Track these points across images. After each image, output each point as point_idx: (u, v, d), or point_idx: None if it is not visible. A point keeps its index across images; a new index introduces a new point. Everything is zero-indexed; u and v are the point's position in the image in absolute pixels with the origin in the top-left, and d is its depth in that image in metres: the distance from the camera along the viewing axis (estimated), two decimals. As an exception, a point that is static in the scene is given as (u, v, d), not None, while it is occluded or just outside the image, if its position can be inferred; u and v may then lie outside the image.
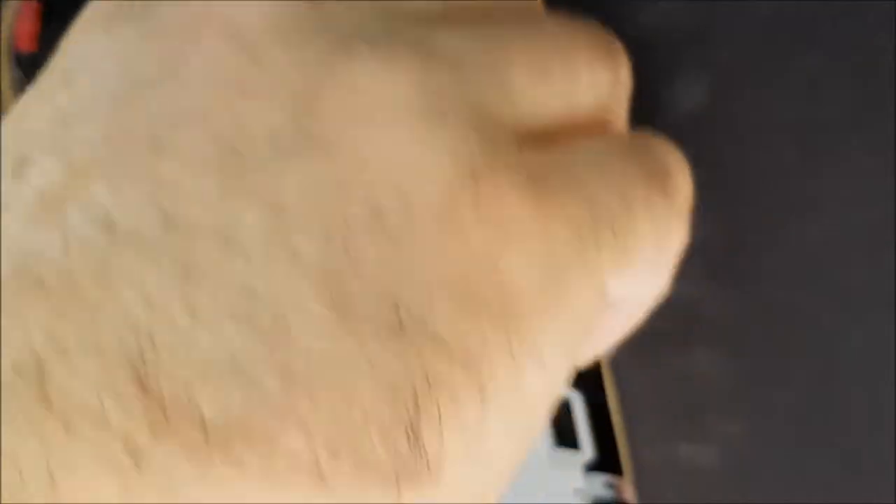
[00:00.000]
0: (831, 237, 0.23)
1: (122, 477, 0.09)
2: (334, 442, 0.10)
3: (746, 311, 0.25)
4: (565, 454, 0.33)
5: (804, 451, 0.26)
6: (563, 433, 0.33)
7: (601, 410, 0.31)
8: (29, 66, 0.40)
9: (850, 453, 0.26)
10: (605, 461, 0.33)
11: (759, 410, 0.26)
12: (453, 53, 0.12)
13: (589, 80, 0.15)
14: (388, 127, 0.11)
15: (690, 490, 0.29)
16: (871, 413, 0.25)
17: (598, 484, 0.33)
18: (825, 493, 0.27)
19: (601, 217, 0.13)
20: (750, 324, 0.25)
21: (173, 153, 0.10)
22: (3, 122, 0.12)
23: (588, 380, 0.32)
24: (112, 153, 0.10)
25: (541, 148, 0.13)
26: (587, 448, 0.32)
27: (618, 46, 0.16)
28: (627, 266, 0.14)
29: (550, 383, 0.13)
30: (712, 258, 0.24)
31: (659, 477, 0.29)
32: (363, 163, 0.11)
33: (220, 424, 0.10)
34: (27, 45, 0.36)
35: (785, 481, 0.27)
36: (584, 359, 0.16)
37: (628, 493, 0.32)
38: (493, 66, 0.12)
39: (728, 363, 0.26)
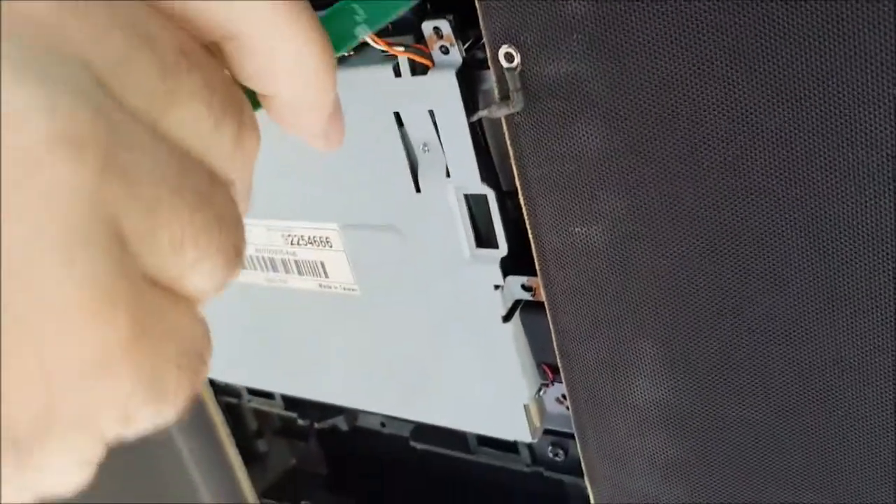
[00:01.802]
0: (708, 6, 0.25)
1: None
2: None
3: (624, 85, 0.27)
4: (485, 252, 0.36)
5: (679, 222, 0.29)
6: (483, 235, 0.36)
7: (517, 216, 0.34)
8: None
9: (722, 223, 0.29)
10: (524, 265, 0.36)
11: (640, 185, 0.29)
12: None
13: None
14: None
15: (585, 268, 0.32)
16: (737, 178, 0.28)
17: (517, 285, 0.37)
18: (701, 261, 0.30)
19: None
20: (627, 97, 0.28)
21: None
22: None
23: (500, 177, 0.35)
24: None
25: None
26: (503, 245, 0.36)
27: None
28: None
29: None
30: (590, 34, 0.27)
31: (559, 259, 0.32)
32: None
33: None
34: None
35: (664, 252, 0.30)
36: None
37: (542, 293, 0.35)
38: None
39: (609, 138, 0.29)
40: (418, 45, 0.32)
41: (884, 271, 0.27)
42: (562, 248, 0.32)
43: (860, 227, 0.26)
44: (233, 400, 0.59)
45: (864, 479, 0.31)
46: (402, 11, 0.25)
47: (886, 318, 0.28)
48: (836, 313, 0.28)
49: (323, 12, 0.24)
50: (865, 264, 0.27)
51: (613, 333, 0.33)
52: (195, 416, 0.60)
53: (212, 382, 0.57)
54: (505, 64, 0.29)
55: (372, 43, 0.32)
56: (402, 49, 0.31)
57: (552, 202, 0.31)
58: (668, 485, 0.36)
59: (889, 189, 0.25)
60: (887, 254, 0.27)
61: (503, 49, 0.29)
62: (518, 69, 0.29)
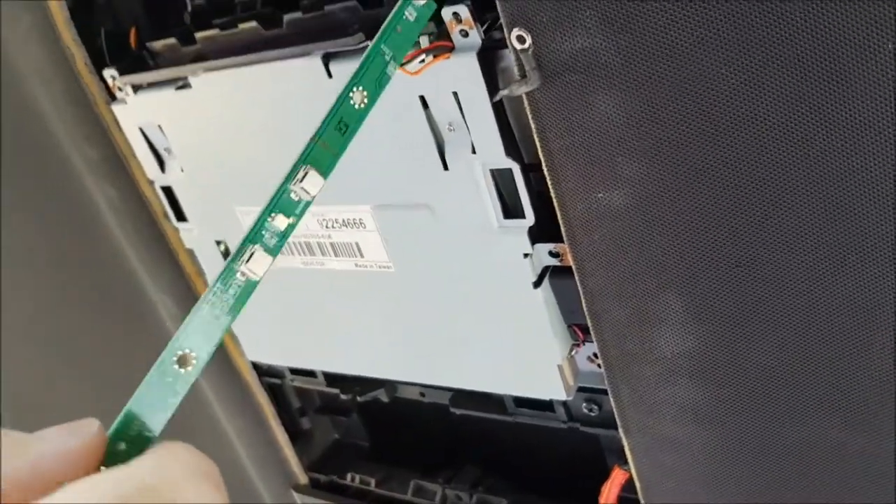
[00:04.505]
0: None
1: None
2: None
3: (637, 55, 0.29)
4: (512, 223, 0.38)
5: (696, 182, 0.31)
6: (510, 207, 0.38)
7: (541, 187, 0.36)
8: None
9: (735, 180, 0.30)
10: (550, 233, 0.38)
11: (657, 149, 0.31)
12: None
13: None
14: None
15: (610, 231, 0.34)
16: (748, 137, 0.29)
17: (545, 252, 0.39)
18: (717, 217, 0.32)
19: None
20: (640, 66, 0.29)
21: None
22: None
23: (522, 152, 0.37)
24: None
25: None
26: (530, 215, 0.38)
27: None
28: None
29: None
30: (602, 10, 0.29)
31: (584, 224, 0.34)
32: None
33: None
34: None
35: (682, 211, 0.32)
36: None
37: (569, 258, 0.37)
38: None
39: (625, 106, 0.31)
40: (438, 43, 0.34)
41: (888, 218, 0.29)
42: (586, 214, 0.34)
43: (865, 177, 0.28)
44: (276, 381, 0.61)
45: (873, 409, 0.33)
46: (417, 35, 0.28)
47: (893, 262, 0.30)
48: (846, 260, 0.30)
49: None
50: (871, 213, 0.29)
51: (639, 291, 0.35)
52: (240, 398, 0.63)
53: (255, 366, 0.60)
54: (518, 46, 0.31)
55: (402, 72, 0.34)
56: (423, 59, 0.34)
57: (575, 171, 0.33)
58: (698, 428, 0.38)
59: (890, 140, 0.27)
60: (891, 202, 0.28)
61: (514, 32, 0.30)
62: (531, 50, 0.31)
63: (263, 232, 0.25)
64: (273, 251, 0.25)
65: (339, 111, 0.27)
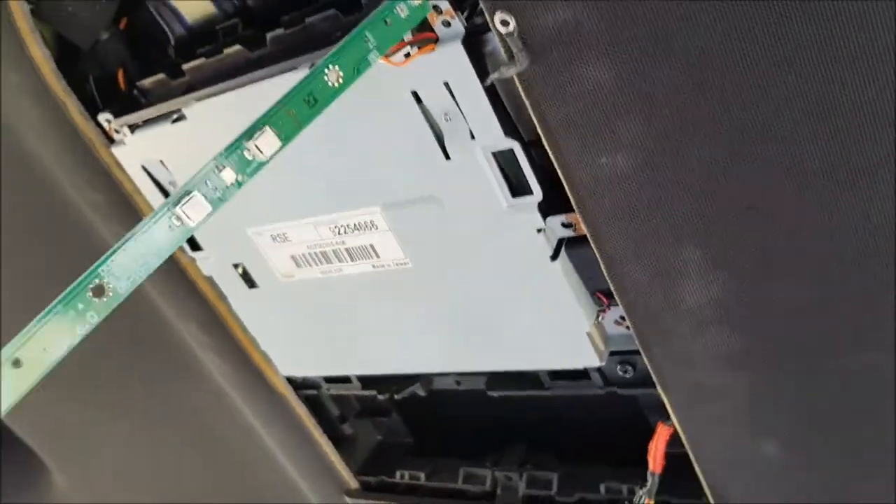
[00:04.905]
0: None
1: None
2: None
3: (619, 19, 0.30)
4: (521, 200, 0.39)
5: (695, 131, 0.31)
6: (516, 185, 0.39)
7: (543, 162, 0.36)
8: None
9: (734, 122, 0.31)
10: (560, 204, 0.39)
11: (652, 106, 0.31)
12: None
13: None
14: None
15: (618, 194, 0.34)
16: (740, 78, 0.30)
17: (558, 224, 0.39)
18: (722, 163, 0.32)
19: None
20: (628, 33, 0.30)
21: None
22: None
23: (520, 129, 0.38)
24: None
25: None
26: (537, 190, 0.38)
27: None
28: None
29: None
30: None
31: (592, 191, 0.35)
32: None
33: None
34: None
35: (687, 163, 0.32)
36: None
37: (582, 227, 0.37)
38: None
39: (615, 71, 0.31)
40: (421, 35, 0.34)
41: (889, 139, 0.29)
42: (593, 181, 0.35)
43: (860, 103, 0.28)
44: (312, 392, 0.62)
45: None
46: (406, 34, 0.27)
47: (904, 176, 0.30)
48: (857, 183, 0.30)
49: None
50: (871, 135, 0.29)
51: (656, 248, 0.36)
52: (280, 414, 0.63)
53: (290, 381, 0.61)
54: (502, 30, 0.31)
55: (386, 63, 0.34)
56: (408, 52, 0.34)
57: (575, 141, 0.34)
58: (735, 373, 0.38)
59: (882, 63, 0.27)
60: (889, 122, 0.29)
61: (497, 17, 0.31)
62: (515, 32, 0.31)
63: (207, 181, 0.25)
64: (214, 203, 0.25)
65: (311, 84, 0.27)
